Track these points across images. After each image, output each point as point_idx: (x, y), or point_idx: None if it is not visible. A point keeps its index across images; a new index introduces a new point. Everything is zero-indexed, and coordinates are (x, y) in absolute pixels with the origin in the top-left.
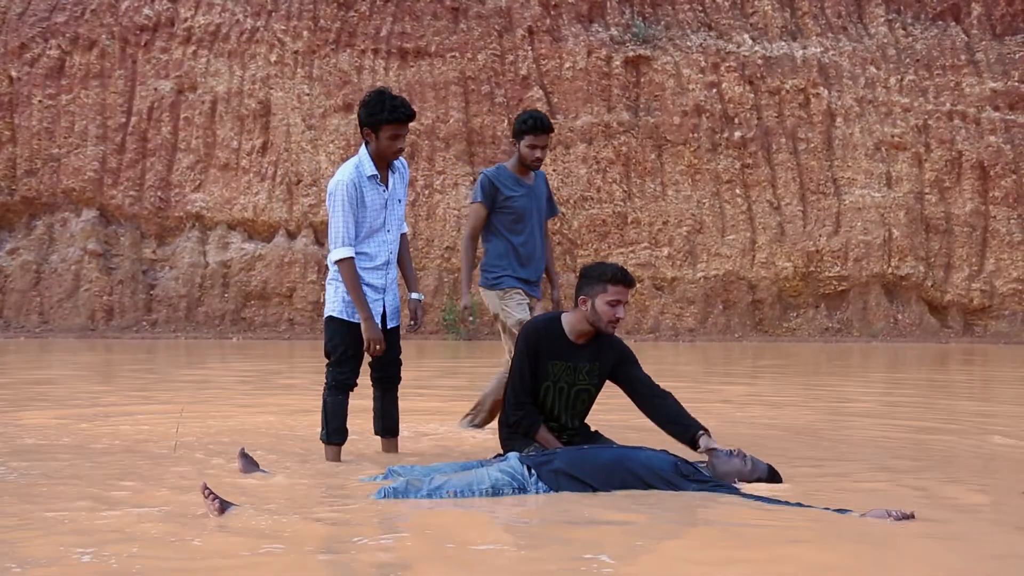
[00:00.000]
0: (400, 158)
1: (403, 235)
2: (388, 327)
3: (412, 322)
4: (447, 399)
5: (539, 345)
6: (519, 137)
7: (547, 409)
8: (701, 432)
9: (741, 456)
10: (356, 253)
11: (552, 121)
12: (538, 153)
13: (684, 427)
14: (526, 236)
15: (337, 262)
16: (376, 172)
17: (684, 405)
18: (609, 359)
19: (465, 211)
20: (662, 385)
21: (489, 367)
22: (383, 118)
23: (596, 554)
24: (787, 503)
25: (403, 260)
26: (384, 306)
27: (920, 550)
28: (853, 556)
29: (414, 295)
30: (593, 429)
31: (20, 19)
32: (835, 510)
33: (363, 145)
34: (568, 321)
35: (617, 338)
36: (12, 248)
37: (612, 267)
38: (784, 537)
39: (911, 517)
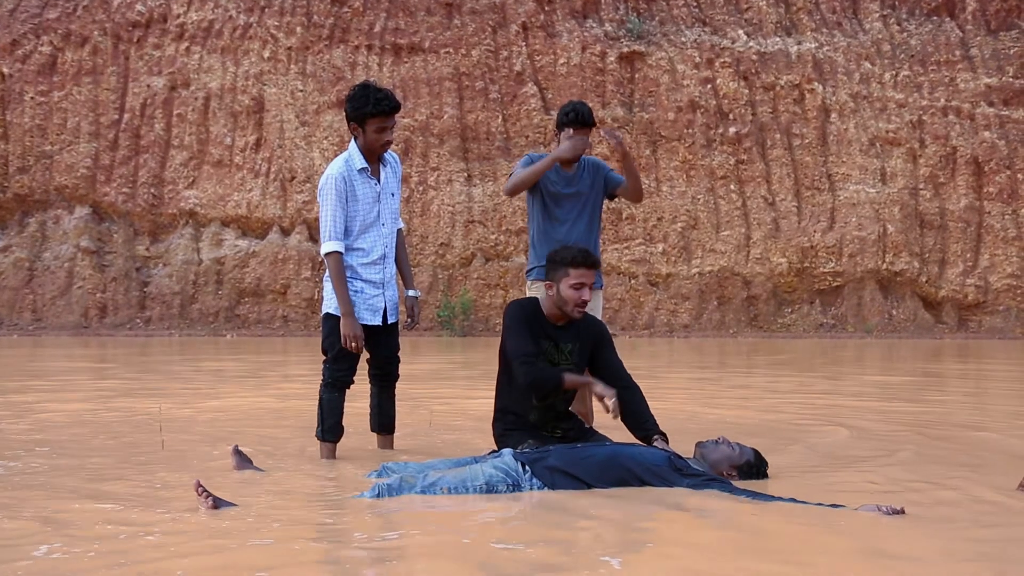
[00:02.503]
0: (392, 152)
1: (399, 231)
2: (388, 322)
3: (409, 319)
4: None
5: (529, 320)
6: (560, 128)
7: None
8: (656, 436)
9: (727, 443)
10: (351, 249)
11: (546, 117)
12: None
13: (642, 424)
14: (560, 223)
15: (325, 255)
16: (366, 165)
17: (682, 398)
18: (588, 338)
19: (459, 207)
20: (659, 379)
21: (487, 363)
22: (368, 111)
23: (599, 554)
24: (780, 499)
25: (399, 257)
26: (385, 301)
27: (910, 546)
28: (844, 551)
29: (410, 292)
30: (588, 426)
31: (12, 15)
32: (828, 505)
33: (352, 140)
34: (544, 306)
35: (597, 319)
36: (4, 246)
37: (573, 250)
38: (779, 533)
39: (901, 512)
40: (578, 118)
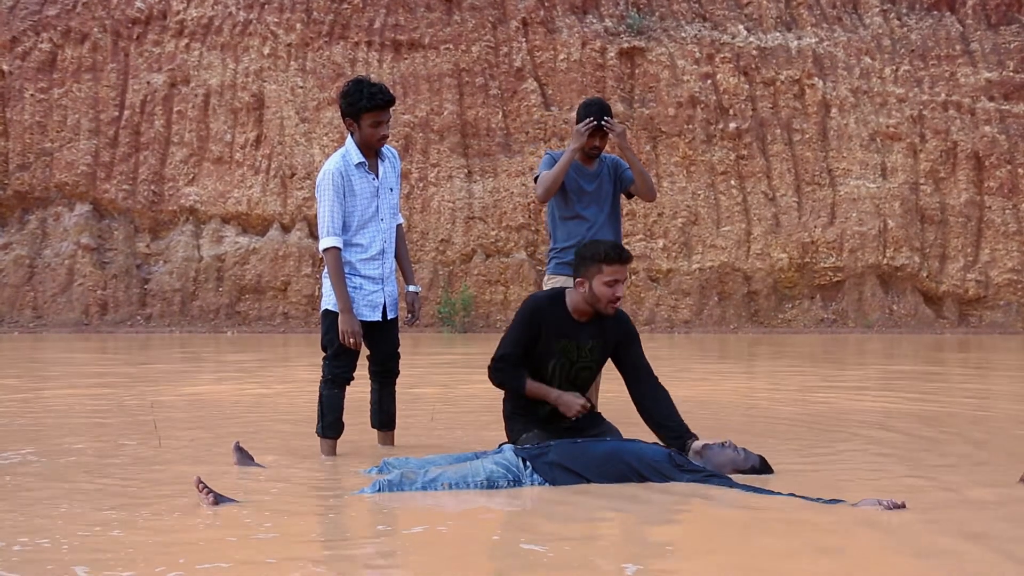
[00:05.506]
0: (391, 148)
1: (399, 226)
2: (387, 318)
3: (409, 315)
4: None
5: (542, 323)
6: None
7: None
8: (691, 440)
9: (733, 447)
10: (350, 245)
11: (546, 113)
12: (596, 142)
13: (674, 430)
14: (583, 219)
15: (324, 251)
16: (363, 160)
17: (684, 392)
18: (612, 337)
19: (459, 203)
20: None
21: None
22: (362, 106)
23: (602, 550)
24: (780, 493)
25: (400, 252)
26: (384, 297)
27: (911, 540)
28: (844, 546)
29: (411, 288)
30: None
31: (11, 12)
32: (827, 500)
33: (349, 136)
34: (571, 300)
35: (624, 315)
36: (5, 243)
37: (606, 245)
38: (779, 528)
39: (902, 507)
40: (593, 115)
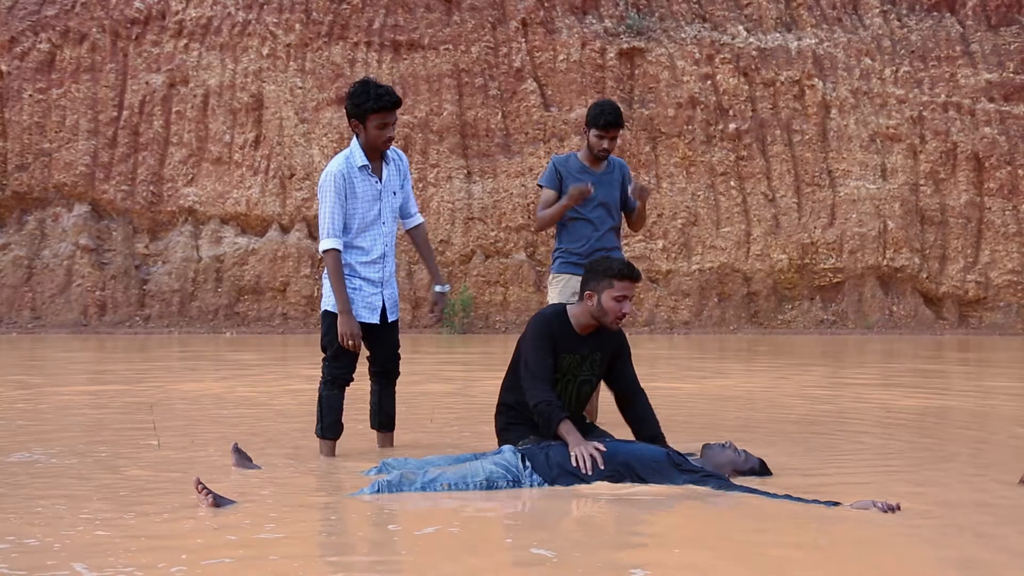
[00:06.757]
0: (397, 150)
1: (420, 226)
2: (388, 320)
3: (431, 314)
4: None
5: (555, 338)
6: (589, 126)
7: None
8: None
9: (733, 448)
10: (351, 247)
11: (546, 114)
12: (605, 144)
13: (649, 432)
14: (588, 221)
15: (324, 252)
16: (367, 163)
17: (685, 391)
18: (609, 349)
19: (459, 204)
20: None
21: (486, 360)
22: (369, 108)
23: (603, 552)
24: (776, 495)
25: (424, 253)
26: (383, 300)
27: (904, 542)
28: (839, 547)
29: (437, 287)
30: (588, 421)
31: (10, 12)
32: (823, 502)
33: (354, 137)
34: (573, 314)
35: (619, 329)
36: (3, 243)
37: (618, 262)
38: (778, 529)
39: (897, 508)
40: (599, 117)
